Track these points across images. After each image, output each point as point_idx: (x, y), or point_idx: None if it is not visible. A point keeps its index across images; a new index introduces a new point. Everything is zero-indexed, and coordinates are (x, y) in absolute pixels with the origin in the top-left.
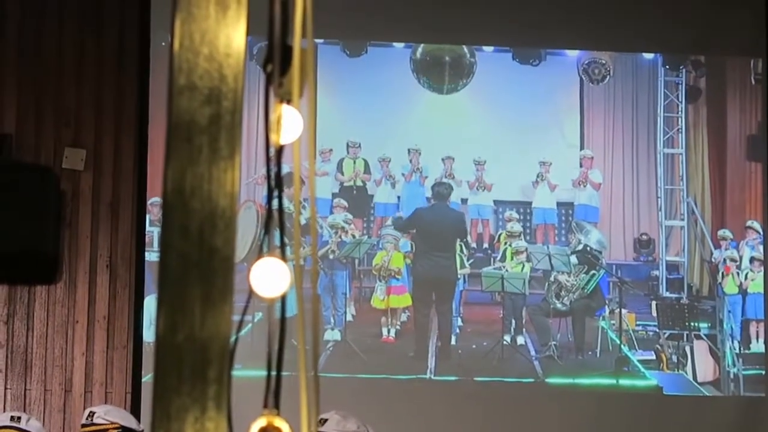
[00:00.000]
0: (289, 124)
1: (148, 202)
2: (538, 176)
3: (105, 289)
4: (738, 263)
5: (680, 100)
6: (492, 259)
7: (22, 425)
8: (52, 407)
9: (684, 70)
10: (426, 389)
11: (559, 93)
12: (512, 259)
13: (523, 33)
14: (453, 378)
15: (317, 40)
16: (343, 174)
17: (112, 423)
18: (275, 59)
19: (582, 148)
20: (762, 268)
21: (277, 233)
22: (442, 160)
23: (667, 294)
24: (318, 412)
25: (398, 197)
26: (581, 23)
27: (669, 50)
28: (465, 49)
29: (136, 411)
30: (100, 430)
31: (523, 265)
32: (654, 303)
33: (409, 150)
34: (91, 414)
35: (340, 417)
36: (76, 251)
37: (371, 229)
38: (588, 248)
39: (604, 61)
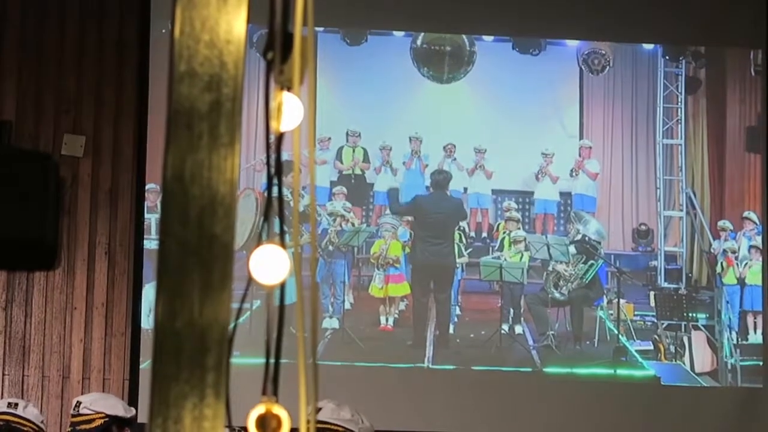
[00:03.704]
0: (290, 111)
1: (146, 189)
2: (540, 168)
3: (103, 276)
4: (737, 254)
5: (680, 91)
6: (491, 249)
7: (19, 412)
8: (49, 393)
9: (684, 61)
10: (424, 378)
11: (559, 83)
12: (510, 248)
13: (523, 22)
14: (451, 367)
15: (317, 29)
16: (342, 162)
17: (98, 413)
18: (276, 46)
19: (581, 138)
20: (760, 257)
21: (276, 221)
22: (444, 147)
23: (666, 284)
24: (316, 400)
25: (398, 186)
26: (581, 13)
27: (669, 41)
28: (465, 38)
29: (133, 398)
30: (87, 420)
31: (522, 255)
32: (652, 293)
33: (410, 138)
34: (78, 404)
35: (334, 405)
36: (74, 238)
37: (370, 218)
38: (586, 238)
39: (603, 52)
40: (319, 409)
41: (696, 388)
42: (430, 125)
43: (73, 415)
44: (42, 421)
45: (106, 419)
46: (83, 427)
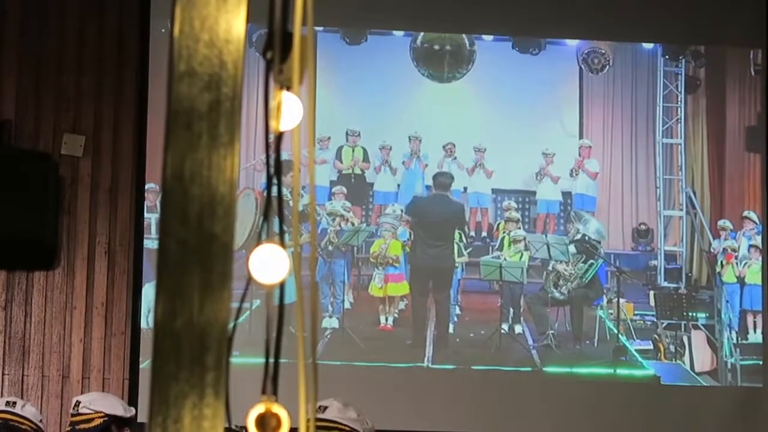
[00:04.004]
0: (289, 110)
1: (146, 188)
2: (540, 168)
3: (103, 276)
4: (737, 253)
5: (679, 90)
6: (490, 248)
7: (18, 410)
8: (49, 393)
9: (683, 61)
10: (423, 377)
11: (559, 82)
12: (510, 247)
13: (523, 22)
14: (450, 366)
15: (317, 28)
16: (341, 162)
17: (97, 412)
18: (275, 46)
19: (581, 137)
20: (760, 256)
21: (276, 220)
22: (444, 147)
23: (665, 284)
24: (316, 400)
25: (398, 185)
26: (581, 12)
27: (669, 40)
28: (465, 37)
29: (133, 397)
30: (86, 420)
31: (522, 254)
32: (652, 293)
33: (409, 137)
34: (77, 403)
35: (341, 405)
36: (74, 237)
37: (370, 217)
38: (586, 238)
39: (603, 51)
40: (325, 407)
41: (696, 387)
42: (429, 124)
43: (73, 415)
44: (40, 420)
45: (106, 419)
46: (82, 426)
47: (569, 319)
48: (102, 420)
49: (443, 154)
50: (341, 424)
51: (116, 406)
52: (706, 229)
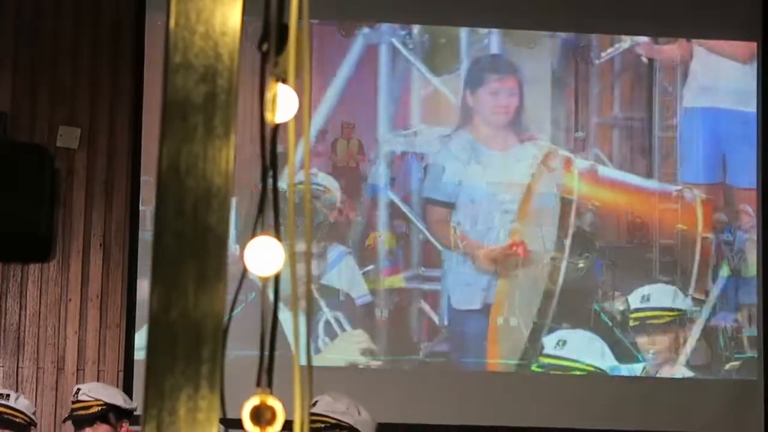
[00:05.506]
0: (284, 103)
1: (141, 181)
2: (535, 160)
3: (98, 268)
4: (732, 247)
5: (676, 83)
6: (486, 241)
7: (11, 403)
8: (44, 385)
9: (679, 54)
10: (418, 370)
11: (554, 75)
12: (506, 240)
13: (518, 14)
14: (444, 359)
15: (313, 20)
16: (336, 155)
17: (96, 400)
18: (271, 38)
19: (576, 130)
20: (756, 250)
21: (271, 213)
22: (440, 139)
23: (661, 277)
24: (311, 392)
25: (392, 178)
26: (576, 4)
27: (665, 33)
28: (460, 30)
29: (128, 389)
30: (85, 407)
31: (517, 248)
32: (647, 286)
33: (404, 130)
34: (78, 391)
35: (330, 399)
36: (69, 230)
37: (365, 210)
38: (582, 231)
39: (599, 44)
40: (316, 402)
41: (690, 380)
42: (425, 118)
43: (73, 402)
44: (33, 412)
45: (104, 407)
46: (81, 413)
47: (564, 313)
48: (100, 408)
49: (439, 146)
50: (326, 416)
51: (116, 397)
52: (702, 222)
